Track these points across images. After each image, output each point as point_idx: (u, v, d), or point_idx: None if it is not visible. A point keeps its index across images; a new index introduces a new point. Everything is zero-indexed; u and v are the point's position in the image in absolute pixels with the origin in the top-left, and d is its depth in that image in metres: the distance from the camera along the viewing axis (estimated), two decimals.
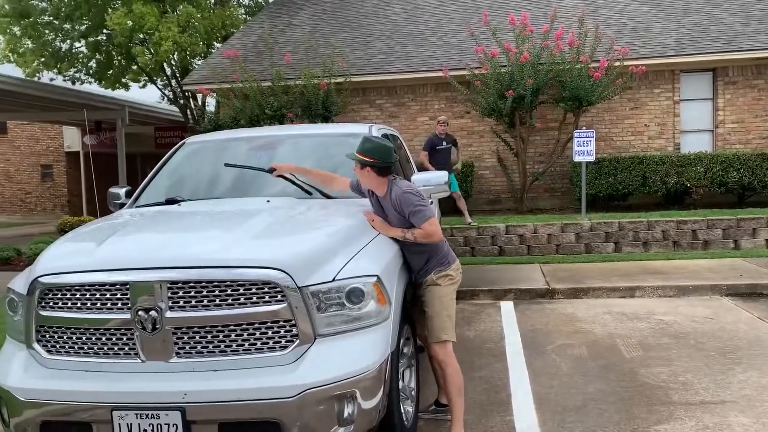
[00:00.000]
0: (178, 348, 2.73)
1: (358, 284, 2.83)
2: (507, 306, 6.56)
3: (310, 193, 3.87)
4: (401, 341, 3.19)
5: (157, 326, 2.70)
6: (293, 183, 3.89)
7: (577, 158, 9.84)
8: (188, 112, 18.13)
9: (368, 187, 3.45)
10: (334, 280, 2.81)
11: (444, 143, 9.40)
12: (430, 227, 3.27)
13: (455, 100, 12.41)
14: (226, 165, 4.07)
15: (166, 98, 20.65)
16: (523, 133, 11.05)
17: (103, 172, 19.40)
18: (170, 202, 3.97)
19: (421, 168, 8.60)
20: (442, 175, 4.22)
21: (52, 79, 18.70)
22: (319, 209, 3.69)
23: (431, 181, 4.18)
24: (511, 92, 10.17)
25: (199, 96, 17.63)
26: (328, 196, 3.85)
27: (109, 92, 19.47)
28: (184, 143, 4.71)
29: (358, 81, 11.93)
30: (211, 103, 18.21)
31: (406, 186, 3.34)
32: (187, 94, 17.61)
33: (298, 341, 2.73)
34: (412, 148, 11.32)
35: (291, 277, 2.71)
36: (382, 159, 3.31)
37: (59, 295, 2.83)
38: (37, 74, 17.27)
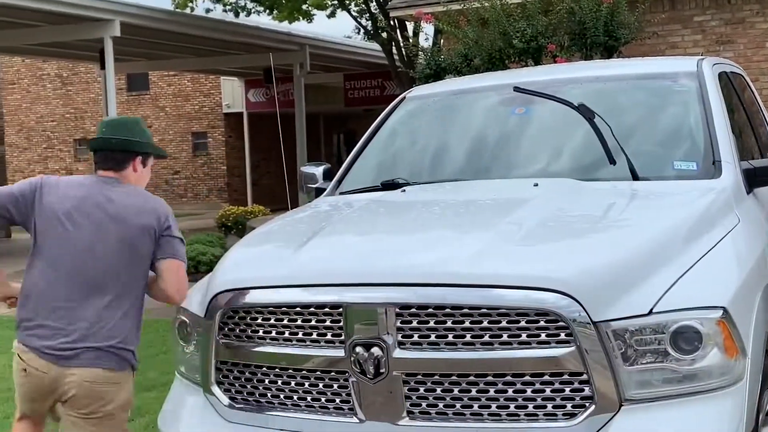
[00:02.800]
0: (411, 404, 2.89)
1: (690, 321, 2.77)
2: None
3: (613, 162, 3.86)
4: (761, 418, 3.05)
5: (381, 370, 2.89)
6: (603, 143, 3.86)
7: None
8: (394, 50, 18.98)
9: None
10: (650, 313, 2.78)
11: None
12: None
13: None
14: (516, 90, 4.21)
15: (362, 30, 21.80)
16: None
17: (271, 139, 21.06)
18: (389, 186, 4.23)
19: None
20: None
21: (209, 10, 20.83)
22: (619, 198, 3.66)
23: None
24: None
25: (411, 25, 18.32)
26: (635, 174, 3.80)
27: (283, 26, 21.08)
28: (403, 98, 4.98)
29: None
30: (429, 36, 18.86)
31: None
32: (393, 22, 18.44)
33: (592, 407, 2.74)
34: (762, 94, 10.64)
35: (581, 306, 2.74)
36: None
37: (248, 320, 3.17)
38: (190, 3, 19.33)
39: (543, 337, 2.76)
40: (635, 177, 3.82)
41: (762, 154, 4.72)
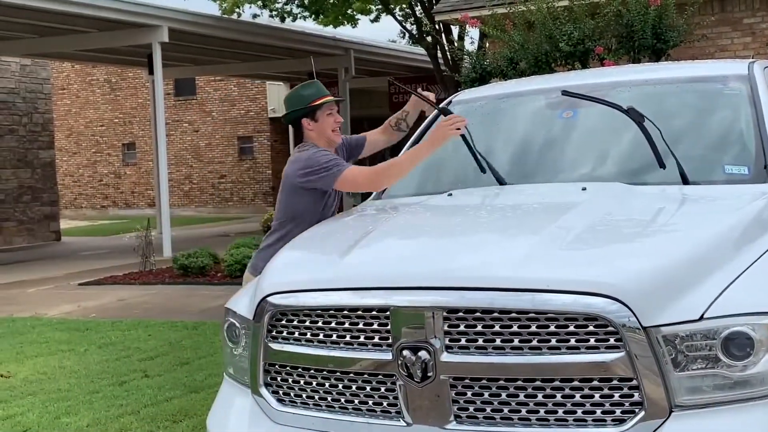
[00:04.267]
0: (459, 408, 2.90)
1: (741, 327, 2.74)
2: None
3: (663, 167, 3.83)
4: None
5: (429, 374, 2.90)
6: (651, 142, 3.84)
7: None
8: (439, 54, 19.00)
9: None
10: (701, 318, 2.75)
11: None
12: None
13: None
14: (564, 93, 4.23)
15: (407, 35, 21.87)
16: None
17: None
18: (434, 190, 4.26)
19: None
20: None
21: (255, 16, 21.05)
22: (669, 202, 3.64)
23: None
24: None
25: (456, 29, 18.33)
26: (685, 178, 3.77)
27: (328, 30, 21.22)
28: (450, 102, 4.99)
29: None
30: (475, 39, 18.85)
31: None
32: (438, 26, 18.48)
33: (642, 413, 2.72)
34: None
35: (631, 310, 2.72)
36: None
37: (296, 322, 3.20)
38: (237, 9, 19.53)
39: (592, 342, 2.75)
40: (685, 181, 3.79)
41: None
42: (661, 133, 3.85)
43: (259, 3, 20.48)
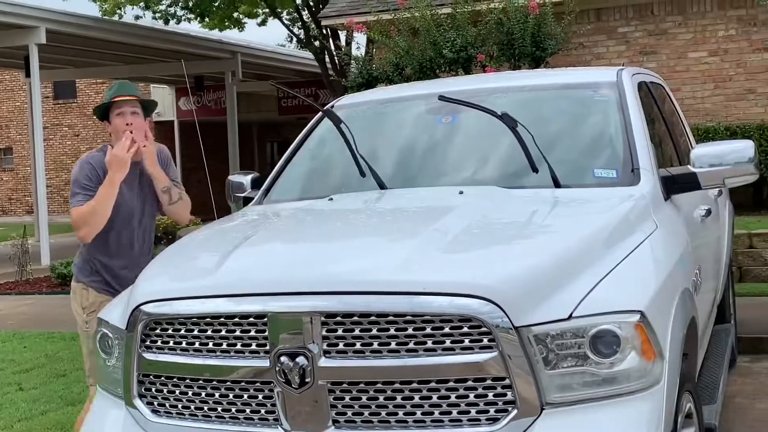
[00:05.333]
0: (337, 413, 2.90)
1: (609, 325, 2.83)
2: None
3: (536, 171, 3.93)
4: (679, 420, 3.12)
5: (307, 379, 2.89)
6: (523, 145, 3.92)
7: None
8: (327, 58, 19.01)
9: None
10: (570, 317, 2.83)
11: None
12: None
13: (755, 21, 11.75)
14: (441, 99, 4.26)
15: (294, 39, 21.82)
16: None
17: (207, 149, 21.04)
18: (316, 195, 4.25)
19: None
20: (747, 146, 4.06)
21: (138, 17, 20.60)
22: (542, 205, 3.73)
23: (727, 156, 4.04)
24: None
25: (343, 34, 18.38)
26: (557, 181, 3.88)
27: (214, 34, 20.99)
28: (332, 107, 4.99)
29: None
30: (362, 45, 18.93)
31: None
32: (326, 31, 18.48)
33: (515, 411, 2.78)
34: (683, 103, 10.94)
35: (503, 311, 2.78)
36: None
37: (170, 331, 3.14)
38: (118, 10, 19.10)
39: (467, 343, 2.79)
40: (557, 184, 3.90)
41: (680, 162, 4.85)
42: (533, 138, 3.95)
43: (142, 4, 20.08)
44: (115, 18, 19.33)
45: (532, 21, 10.79)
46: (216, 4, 19.73)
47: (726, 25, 12.02)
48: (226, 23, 20.31)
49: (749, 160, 4.03)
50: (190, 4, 20.20)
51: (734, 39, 11.97)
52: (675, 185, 4.07)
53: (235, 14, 20.21)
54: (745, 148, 4.08)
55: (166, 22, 20.83)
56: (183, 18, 20.82)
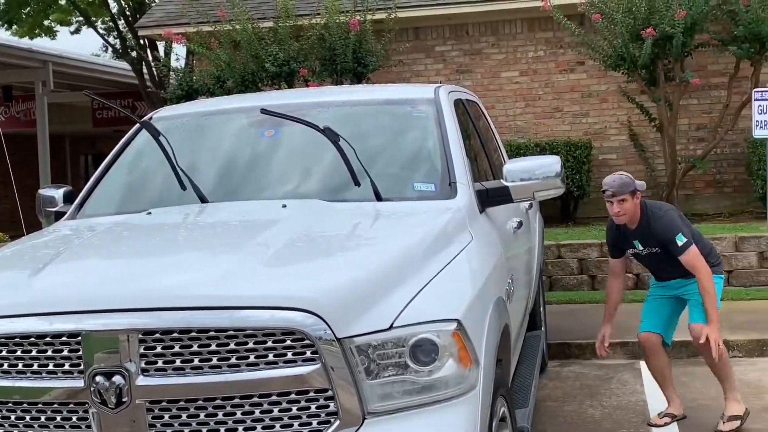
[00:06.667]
0: None
1: (427, 334, 2.89)
2: None
3: (358, 184, 3.98)
4: (494, 423, 3.23)
5: (123, 399, 2.80)
6: (346, 162, 3.96)
7: (757, 133, 9.85)
8: (145, 69, 18.57)
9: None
10: (391, 327, 2.88)
11: None
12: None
13: (561, 44, 12.40)
14: (263, 112, 4.22)
15: (110, 49, 21.22)
16: (671, 94, 10.96)
17: (17, 162, 20.04)
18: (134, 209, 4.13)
19: None
20: (554, 162, 4.27)
21: None
22: (363, 218, 3.79)
23: (536, 170, 4.24)
24: (651, 30, 10.12)
25: (162, 45, 18.04)
26: (378, 195, 3.95)
27: (24, 41, 20.09)
28: (150, 119, 4.88)
29: (408, 17, 12.10)
30: (181, 56, 18.61)
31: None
32: (143, 41, 18.07)
33: (337, 423, 2.80)
34: (497, 120, 11.39)
35: (326, 323, 2.79)
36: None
37: None
38: None
39: (289, 356, 2.79)
40: (379, 198, 3.97)
41: (494, 177, 5.04)
42: (355, 152, 4.01)
43: None
44: None
45: (353, 37, 10.97)
46: (25, 11, 18.91)
47: (535, 47, 12.59)
48: (37, 31, 19.50)
49: (556, 174, 4.24)
50: None
51: (543, 60, 12.56)
52: (489, 198, 4.23)
53: (47, 22, 19.44)
54: (552, 163, 4.29)
55: None
56: None
